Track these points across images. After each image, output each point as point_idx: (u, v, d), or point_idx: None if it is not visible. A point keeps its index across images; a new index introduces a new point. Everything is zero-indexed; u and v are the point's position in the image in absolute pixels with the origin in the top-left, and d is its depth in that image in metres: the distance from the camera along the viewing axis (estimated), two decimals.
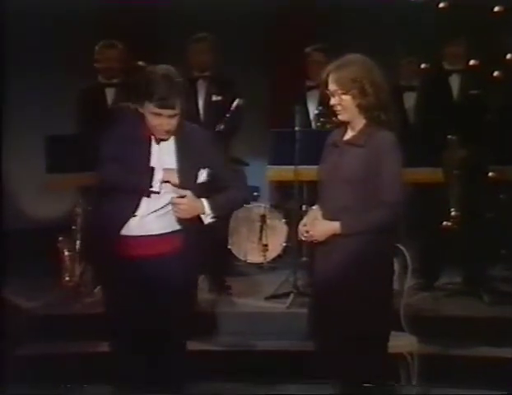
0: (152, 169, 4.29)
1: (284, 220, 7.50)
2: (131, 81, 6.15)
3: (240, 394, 5.52)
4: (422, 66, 7.07)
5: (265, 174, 6.57)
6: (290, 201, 6.77)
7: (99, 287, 5.48)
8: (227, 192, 4.40)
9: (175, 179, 4.29)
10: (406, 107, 7.02)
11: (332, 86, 4.21)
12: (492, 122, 6.48)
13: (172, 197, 4.29)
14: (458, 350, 5.74)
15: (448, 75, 6.62)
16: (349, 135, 4.27)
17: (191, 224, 4.31)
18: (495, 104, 6.60)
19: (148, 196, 4.29)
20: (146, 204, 4.31)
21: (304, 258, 6.51)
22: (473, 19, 6.99)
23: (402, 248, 4.77)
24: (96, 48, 6.71)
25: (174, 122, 4.26)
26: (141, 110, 4.28)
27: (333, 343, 4.21)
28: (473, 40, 6.66)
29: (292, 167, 6.27)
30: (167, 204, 4.31)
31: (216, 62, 6.66)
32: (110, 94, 6.70)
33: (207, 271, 6.40)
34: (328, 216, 4.20)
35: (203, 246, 4.48)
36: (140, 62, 6.29)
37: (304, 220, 4.31)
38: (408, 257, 4.85)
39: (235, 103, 6.44)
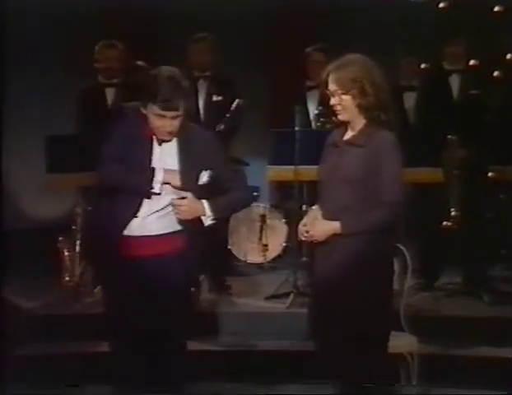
0: (153, 170, 4.29)
1: (284, 220, 7.50)
2: (131, 81, 6.17)
3: (240, 394, 5.52)
4: (422, 66, 7.06)
5: (265, 174, 6.57)
6: (290, 201, 6.77)
7: (99, 287, 5.48)
8: (229, 194, 4.39)
9: (176, 181, 4.29)
10: (406, 107, 7.02)
11: (332, 86, 4.21)
12: (492, 122, 6.48)
13: (173, 199, 4.29)
14: (458, 350, 5.74)
15: (448, 75, 6.62)
16: (349, 135, 4.27)
17: (192, 225, 4.31)
18: (495, 104, 6.60)
19: (149, 197, 4.30)
20: (147, 205, 4.31)
21: (304, 258, 6.51)
22: (473, 19, 6.98)
23: (402, 248, 4.77)
24: (96, 48, 6.71)
25: (177, 123, 4.26)
26: (144, 111, 4.27)
27: (333, 343, 4.21)
28: (473, 40, 6.66)
29: (292, 167, 6.27)
30: (168, 205, 4.31)
31: (216, 62, 6.67)
32: (110, 94, 6.71)
33: (207, 271, 6.40)
34: (328, 215, 4.20)
35: (204, 246, 4.48)
36: (140, 62, 6.30)
37: (304, 220, 4.30)
38: (408, 257, 4.85)
39: (235, 103, 6.44)
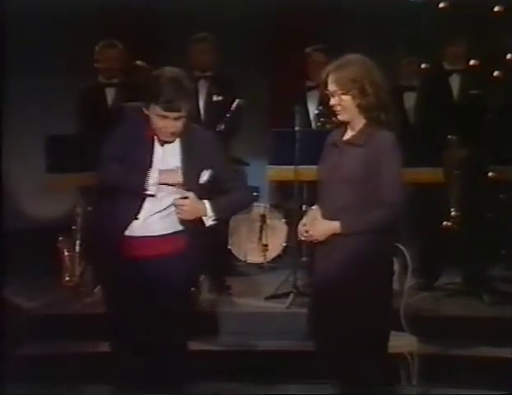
0: (148, 171, 4.27)
1: (284, 220, 7.51)
2: (131, 81, 6.17)
3: (240, 394, 5.52)
4: (422, 66, 7.07)
5: (265, 174, 6.57)
6: (290, 201, 6.77)
7: (99, 287, 5.48)
8: (230, 195, 4.39)
9: (175, 179, 4.28)
10: (406, 107, 7.02)
11: (331, 87, 4.21)
12: (492, 122, 6.48)
13: (175, 199, 4.29)
14: (458, 350, 5.74)
15: (448, 75, 6.62)
16: (349, 135, 4.27)
17: (193, 225, 4.31)
18: (495, 104, 6.61)
19: (144, 198, 4.29)
20: (149, 205, 4.30)
21: (304, 258, 6.51)
22: (473, 19, 6.99)
23: (402, 248, 4.77)
24: (96, 48, 6.71)
25: (179, 124, 4.25)
26: (146, 112, 4.27)
27: (333, 343, 4.21)
28: (473, 40, 6.66)
29: (292, 167, 6.27)
30: (170, 205, 4.31)
31: (216, 62, 6.67)
32: (110, 94, 6.71)
33: (208, 271, 6.40)
34: (328, 215, 4.20)
35: (205, 246, 4.48)
36: (140, 62, 6.30)
37: (304, 219, 4.30)
38: (408, 257, 4.85)
39: (235, 103, 6.45)
